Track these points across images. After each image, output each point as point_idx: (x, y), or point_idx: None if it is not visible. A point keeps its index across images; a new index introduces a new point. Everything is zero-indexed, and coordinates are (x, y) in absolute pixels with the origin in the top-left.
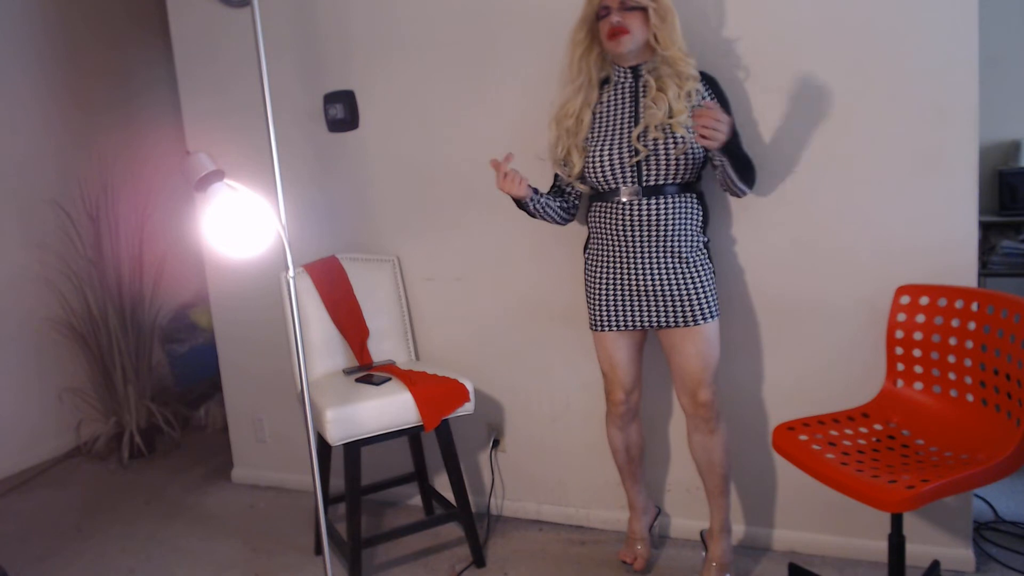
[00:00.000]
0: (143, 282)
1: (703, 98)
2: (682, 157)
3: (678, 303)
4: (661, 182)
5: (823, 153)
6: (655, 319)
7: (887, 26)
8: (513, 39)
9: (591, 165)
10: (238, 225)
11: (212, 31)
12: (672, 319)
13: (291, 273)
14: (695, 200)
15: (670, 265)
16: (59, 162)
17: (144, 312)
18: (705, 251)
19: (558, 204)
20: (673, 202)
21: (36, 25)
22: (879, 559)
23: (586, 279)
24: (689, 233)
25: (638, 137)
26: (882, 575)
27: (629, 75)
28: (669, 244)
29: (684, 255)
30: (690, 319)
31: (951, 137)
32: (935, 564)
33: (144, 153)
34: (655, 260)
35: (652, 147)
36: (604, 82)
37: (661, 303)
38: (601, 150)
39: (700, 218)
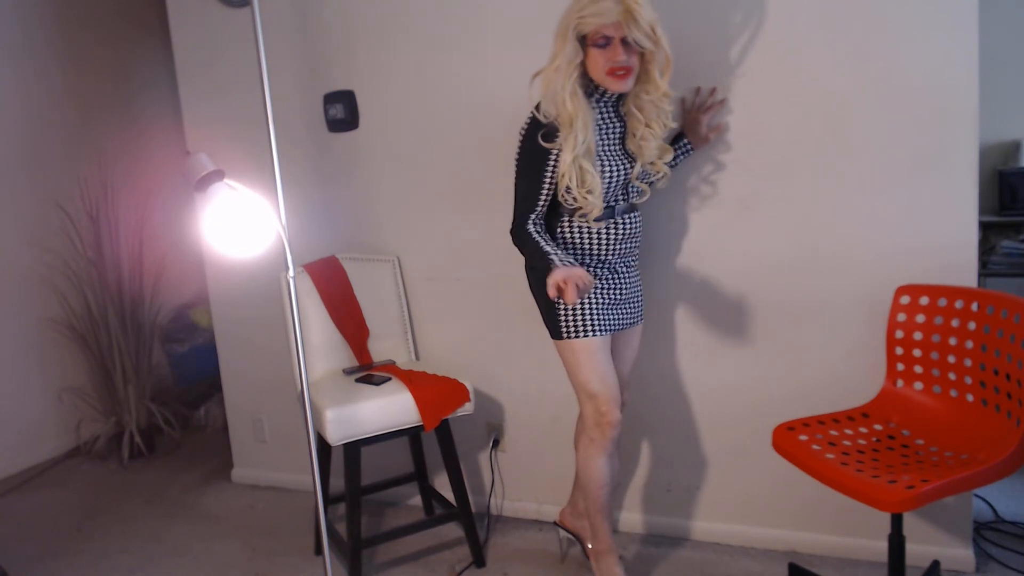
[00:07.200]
0: (143, 282)
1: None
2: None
3: (638, 303)
4: (637, 200)
5: (823, 153)
6: (629, 319)
7: (887, 26)
8: (515, 40)
9: (605, 184)
10: (238, 225)
11: (212, 31)
12: (637, 317)
13: (291, 273)
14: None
15: (634, 270)
16: (59, 162)
17: (144, 312)
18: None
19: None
20: (641, 215)
21: (35, 25)
22: (879, 559)
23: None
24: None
25: (638, 177)
26: (882, 575)
27: (613, 96)
28: (637, 251)
29: (638, 260)
30: (640, 316)
31: (951, 137)
32: (935, 564)
33: (144, 153)
34: (630, 267)
35: (651, 172)
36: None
37: (631, 305)
38: (610, 170)
39: None
